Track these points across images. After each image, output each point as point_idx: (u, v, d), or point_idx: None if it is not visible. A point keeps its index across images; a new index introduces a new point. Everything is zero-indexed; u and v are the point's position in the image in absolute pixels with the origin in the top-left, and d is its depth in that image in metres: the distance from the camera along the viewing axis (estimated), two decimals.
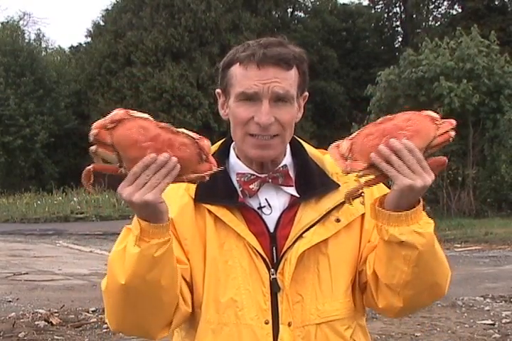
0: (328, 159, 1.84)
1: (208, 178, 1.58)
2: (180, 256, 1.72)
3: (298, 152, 1.86)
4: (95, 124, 1.51)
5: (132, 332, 1.81)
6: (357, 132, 1.62)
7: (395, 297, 1.74)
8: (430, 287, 1.74)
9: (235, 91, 1.74)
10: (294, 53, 1.75)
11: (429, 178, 1.57)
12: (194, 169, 1.56)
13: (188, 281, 1.75)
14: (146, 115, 1.55)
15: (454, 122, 1.60)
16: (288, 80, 1.73)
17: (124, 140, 1.51)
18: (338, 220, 1.75)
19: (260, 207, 1.78)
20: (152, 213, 1.56)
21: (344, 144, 1.60)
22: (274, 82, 1.70)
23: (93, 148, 1.52)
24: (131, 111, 1.54)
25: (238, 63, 1.74)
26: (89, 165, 1.55)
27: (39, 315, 7.70)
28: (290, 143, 1.86)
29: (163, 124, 1.55)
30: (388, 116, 1.61)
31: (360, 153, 1.58)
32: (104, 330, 7.09)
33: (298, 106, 1.80)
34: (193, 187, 1.76)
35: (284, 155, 1.84)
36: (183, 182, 1.58)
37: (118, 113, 1.52)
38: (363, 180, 1.63)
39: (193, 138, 1.55)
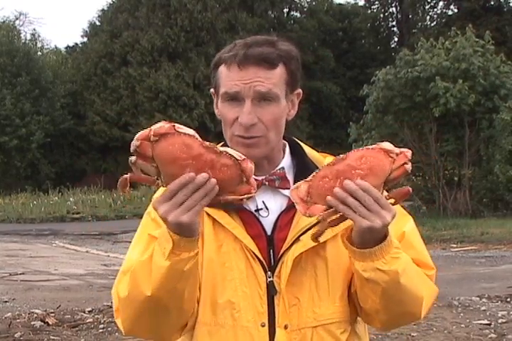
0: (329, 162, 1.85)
1: (245, 201, 1.58)
2: None
3: (296, 153, 1.86)
4: (138, 135, 1.48)
5: (145, 336, 1.81)
6: (313, 174, 1.60)
7: (372, 318, 1.78)
8: (402, 314, 1.76)
9: (221, 92, 1.75)
10: (279, 52, 1.73)
11: (388, 216, 1.56)
12: (232, 190, 1.54)
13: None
14: (192, 131, 1.51)
15: (409, 154, 1.58)
16: (271, 79, 1.72)
17: (165, 155, 1.48)
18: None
19: (257, 210, 1.78)
20: (185, 231, 1.56)
21: (302, 187, 1.59)
22: (256, 82, 1.70)
23: (133, 158, 1.50)
24: (177, 126, 1.50)
25: (223, 63, 1.75)
26: (126, 173, 1.53)
27: (35, 315, 7.69)
28: (289, 144, 1.86)
29: (207, 143, 1.51)
30: (341, 156, 1.59)
31: (318, 196, 1.57)
32: (100, 330, 7.09)
33: (291, 104, 1.80)
34: None
35: (282, 157, 1.84)
36: (219, 203, 1.56)
37: (164, 126, 1.49)
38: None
39: (237, 159, 1.52)
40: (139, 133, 1.49)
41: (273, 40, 1.76)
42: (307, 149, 1.88)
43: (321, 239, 1.67)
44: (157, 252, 1.61)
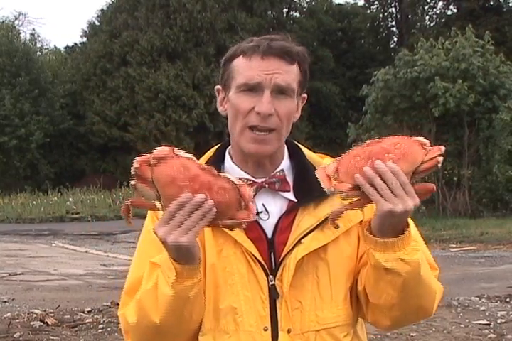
0: (327, 163, 1.83)
1: (244, 226, 1.57)
2: None
3: (295, 155, 1.85)
4: (138, 158, 1.51)
5: None
6: (344, 153, 1.62)
7: (382, 316, 1.76)
8: (416, 309, 1.75)
9: (237, 82, 1.73)
10: (297, 50, 1.75)
11: (411, 203, 1.56)
12: (231, 215, 1.54)
13: None
14: (190, 155, 1.54)
15: (442, 148, 1.59)
16: (290, 74, 1.73)
17: (163, 177, 1.50)
18: (337, 226, 1.72)
19: (257, 213, 1.75)
20: (184, 255, 1.56)
21: (331, 165, 1.60)
22: (277, 74, 1.70)
23: (133, 182, 1.52)
24: (176, 150, 1.53)
25: (242, 55, 1.73)
26: (127, 199, 1.56)
27: (34, 315, 7.69)
28: (287, 146, 1.85)
29: (205, 166, 1.54)
30: (376, 139, 1.62)
31: (346, 174, 1.57)
32: (100, 330, 7.09)
33: (296, 105, 1.79)
34: None
35: (282, 158, 1.83)
36: (218, 227, 1.57)
37: (163, 150, 1.51)
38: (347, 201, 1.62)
39: (235, 183, 1.53)
40: (139, 157, 1.52)
41: (289, 39, 1.77)
42: (306, 151, 1.87)
43: (337, 227, 1.68)
44: (161, 280, 1.62)
